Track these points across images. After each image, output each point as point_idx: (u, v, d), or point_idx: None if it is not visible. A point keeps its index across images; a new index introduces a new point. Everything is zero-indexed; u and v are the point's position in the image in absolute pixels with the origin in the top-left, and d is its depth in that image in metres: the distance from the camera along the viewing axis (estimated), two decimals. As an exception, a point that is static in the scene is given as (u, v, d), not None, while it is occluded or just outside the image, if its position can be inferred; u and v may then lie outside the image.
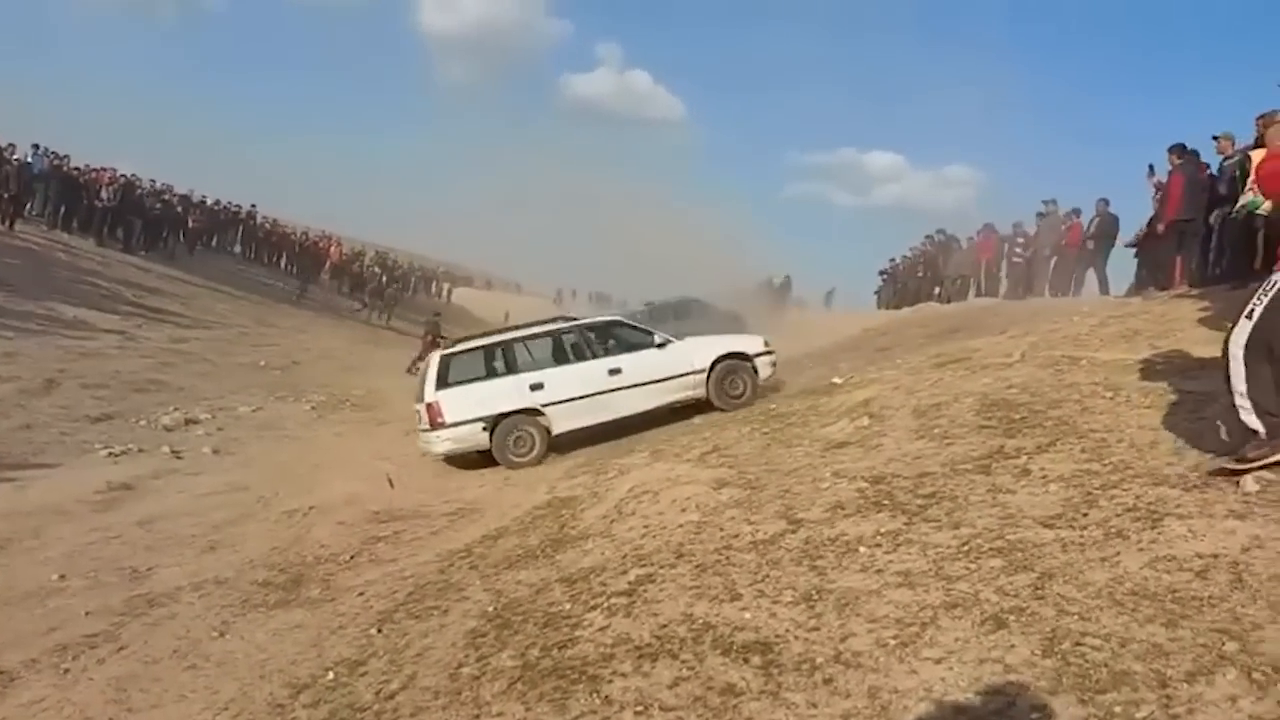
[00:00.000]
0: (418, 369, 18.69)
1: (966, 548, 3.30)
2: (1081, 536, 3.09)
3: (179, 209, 23.26)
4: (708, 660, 3.03)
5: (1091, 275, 12.70)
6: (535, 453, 8.40)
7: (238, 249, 28.15)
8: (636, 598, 3.77)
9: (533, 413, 8.53)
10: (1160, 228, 9.31)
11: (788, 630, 3.06)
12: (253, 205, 28.08)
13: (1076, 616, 2.56)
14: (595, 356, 8.97)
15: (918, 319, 14.65)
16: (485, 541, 5.55)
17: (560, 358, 9.07)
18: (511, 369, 8.84)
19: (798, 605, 3.23)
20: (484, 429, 8.29)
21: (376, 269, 32.64)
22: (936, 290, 17.37)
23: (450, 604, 4.44)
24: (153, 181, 23.23)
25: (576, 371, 8.84)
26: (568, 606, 3.94)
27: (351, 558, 5.67)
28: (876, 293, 22.67)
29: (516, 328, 9.71)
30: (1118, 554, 2.87)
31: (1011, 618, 2.67)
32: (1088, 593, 2.68)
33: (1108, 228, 12.24)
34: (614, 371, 8.85)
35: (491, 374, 8.79)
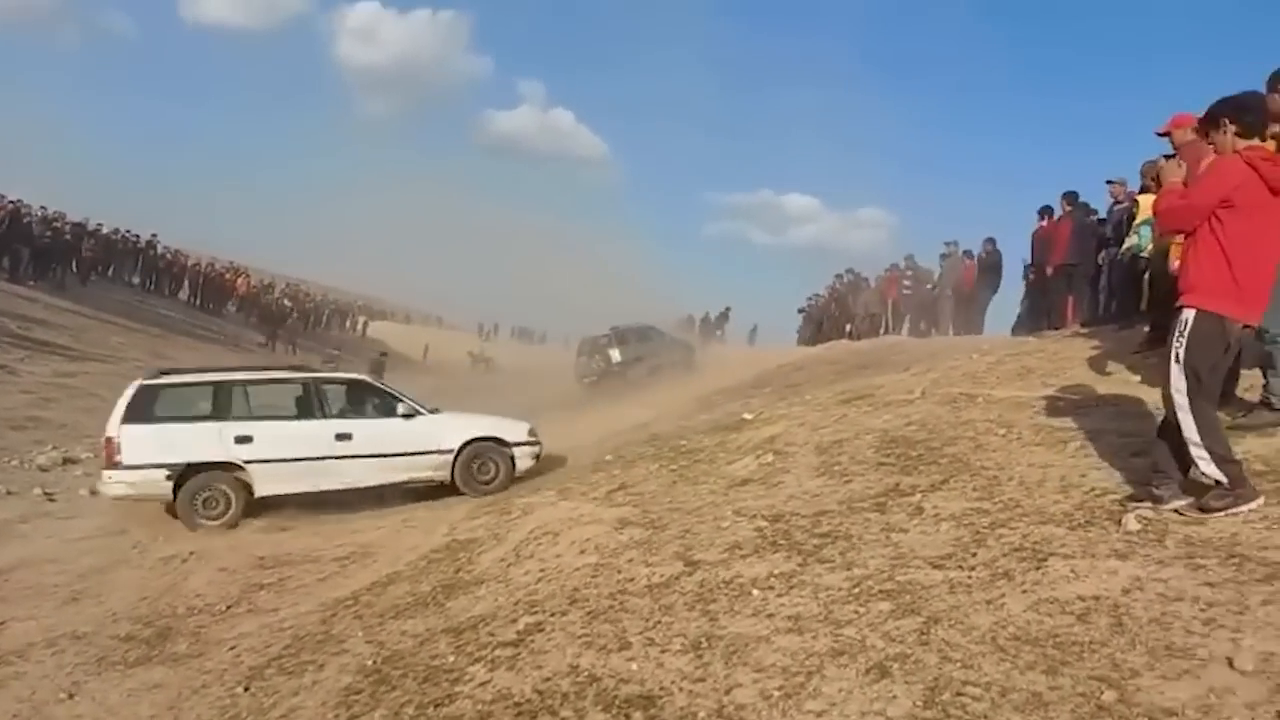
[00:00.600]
0: None
1: (857, 589, 3.23)
2: (969, 577, 3.06)
3: (69, 237, 22.11)
4: (589, 717, 2.87)
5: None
6: (229, 516, 7.39)
7: (136, 280, 26.93)
8: (523, 648, 3.59)
9: (232, 468, 7.51)
10: (1049, 270, 9.66)
11: (673, 682, 2.92)
12: (153, 235, 26.97)
13: (959, 664, 2.50)
14: (325, 416, 8.06)
15: (829, 356, 14.85)
16: (375, 588, 5.26)
17: (282, 411, 8.11)
18: (220, 414, 7.71)
19: (686, 654, 3.10)
20: (167, 478, 7.24)
21: (287, 302, 31.72)
22: (848, 328, 17.71)
23: (328, 658, 4.16)
24: (43, 209, 22.06)
25: (297, 429, 7.88)
26: (451, 659, 3.72)
27: (228, 608, 5.30)
28: (799, 330, 23.07)
29: (249, 369, 8.95)
30: (1002, 596, 2.84)
31: (896, 665, 2.59)
32: (972, 638, 2.63)
33: (990, 268, 12.79)
34: (342, 436, 7.94)
35: (195, 416, 7.67)
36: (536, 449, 8.94)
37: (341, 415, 8.21)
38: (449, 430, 8.49)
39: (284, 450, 7.69)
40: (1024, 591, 2.82)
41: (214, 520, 7.32)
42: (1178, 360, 3.22)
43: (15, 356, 14.30)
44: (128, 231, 26.74)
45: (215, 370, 8.56)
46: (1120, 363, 5.85)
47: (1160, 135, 6.66)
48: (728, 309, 28.16)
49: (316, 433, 7.90)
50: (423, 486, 8.35)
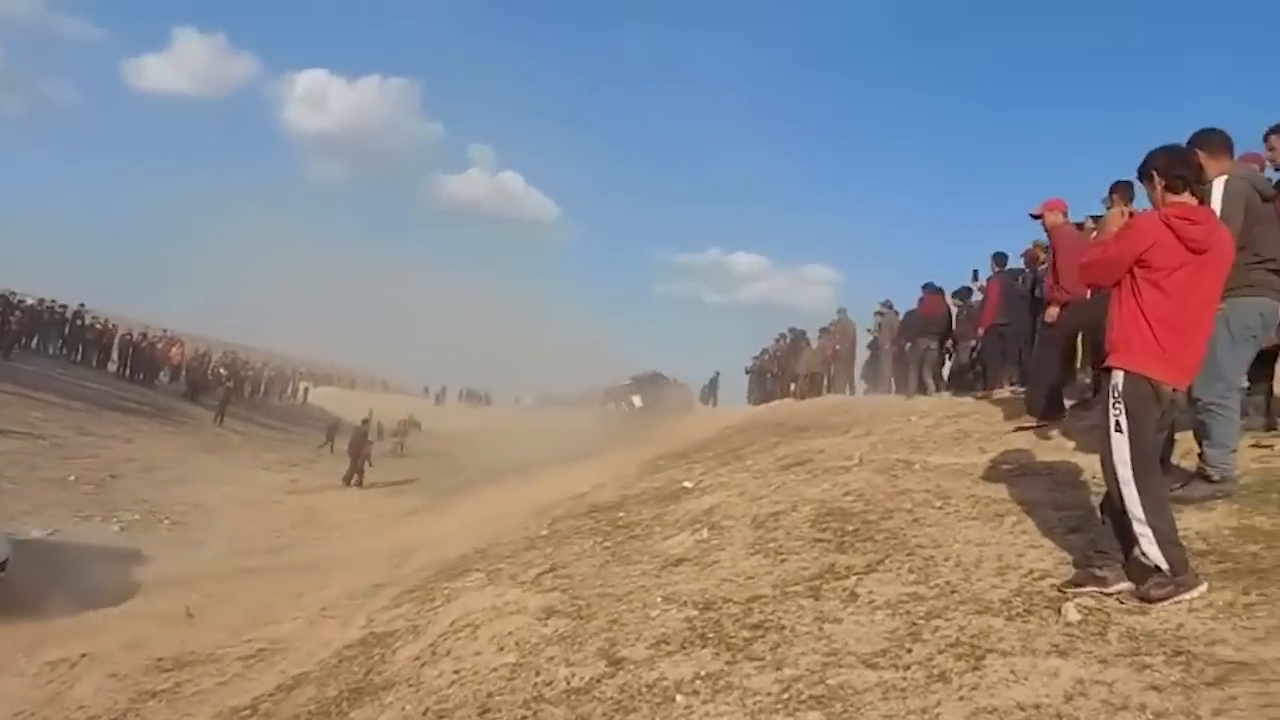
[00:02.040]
0: (356, 479, 17.83)
1: (786, 695, 2.96)
2: (903, 679, 2.82)
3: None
4: None
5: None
6: None
7: (63, 351, 25.92)
8: (423, 773, 3.23)
9: None
10: (980, 330, 9.72)
11: (581, 816, 2.60)
12: (80, 304, 26.06)
13: (891, 793, 2.24)
14: None
15: (773, 417, 14.75)
16: (278, 694, 4.83)
17: None
18: None
19: (598, 779, 2.78)
20: None
21: (222, 370, 30.85)
22: (792, 387, 17.68)
23: (211, 785, 3.73)
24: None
25: None
26: (344, 786, 3.34)
27: (112, 723, 4.81)
28: (748, 390, 23.06)
29: None
30: (938, 704, 2.60)
31: (823, 795, 2.32)
32: (905, 758, 2.38)
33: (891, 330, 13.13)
34: None
35: None
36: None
37: None
38: None
39: None
40: (961, 699, 2.58)
41: None
42: (1119, 429, 3.03)
43: (-84, 437, 13.46)
44: (53, 301, 25.84)
45: None
46: (1055, 426, 5.78)
47: (1034, 218, 6.86)
48: (716, 374, 28.45)
49: None
50: None
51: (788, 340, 18.59)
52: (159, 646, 6.14)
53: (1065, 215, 6.90)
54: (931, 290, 12.12)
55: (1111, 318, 3.22)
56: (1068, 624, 2.90)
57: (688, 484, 8.05)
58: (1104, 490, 3.22)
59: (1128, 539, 3.04)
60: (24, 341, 23.57)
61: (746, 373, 22.78)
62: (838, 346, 15.86)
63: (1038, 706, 2.44)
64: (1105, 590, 3.05)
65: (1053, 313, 6.56)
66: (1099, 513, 3.26)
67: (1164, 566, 2.90)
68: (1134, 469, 2.98)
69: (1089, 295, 5.97)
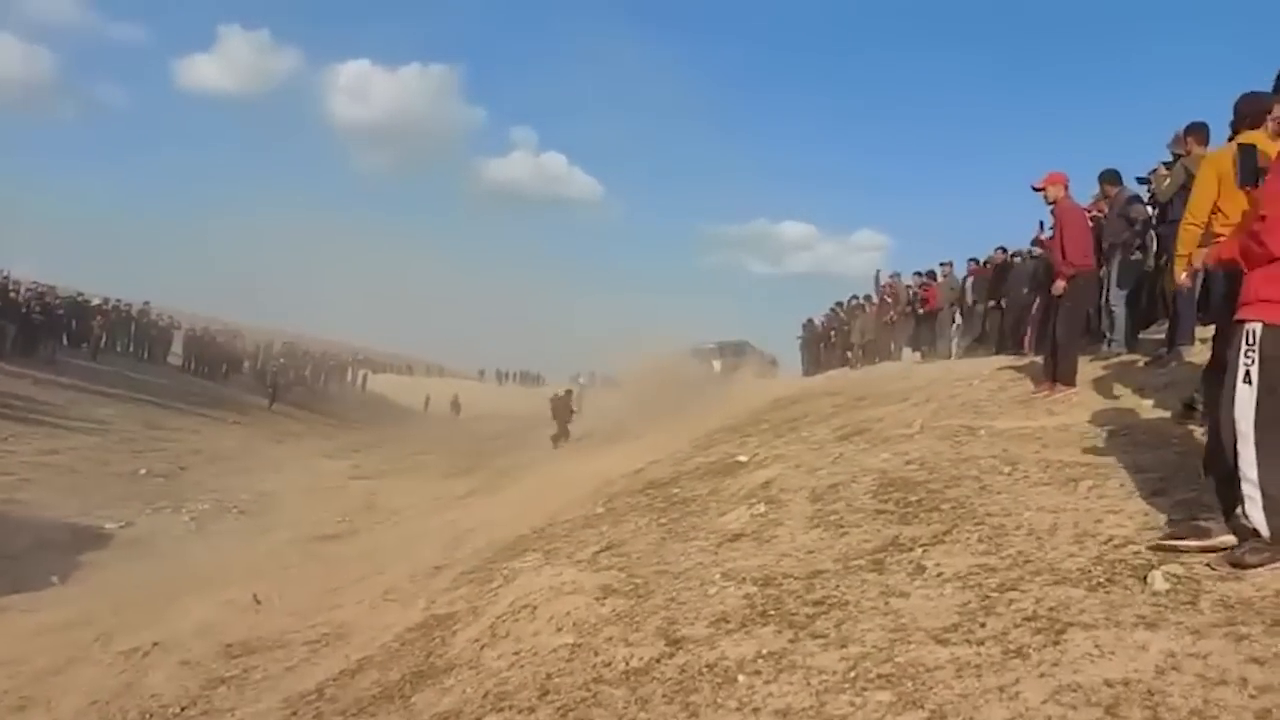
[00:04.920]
0: (560, 442, 18.74)
1: (853, 673, 2.84)
2: (978, 655, 2.67)
3: (61, 312, 21.96)
4: None
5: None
6: None
7: (130, 349, 26.76)
8: (485, 756, 3.19)
9: None
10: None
11: (644, 800, 2.52)
12: (145, 303, 26.85)
13: (971, 777, 2.11)
14: None
15: (829, 386, 14.48)
16: (342, 678, 4.86)
17: None
18: None
19: (661, 762, 2.70)
20: None
21: (283, 360, 31.58)
22: (847, 355, 17.35)
23: (278, 771, 3.75)
24: (36, 284, 21.99)
25: None
26: (407, 770, 3.32)
27: (183, 709, 4.89)
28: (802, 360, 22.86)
29: None
30: (1017, 681, 2.44)
31: (897, 780, 2.20)
32: (984, 739, 2.24)
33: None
34: None
35: None
36: None
37: None
38: None
39: None
40: (1041, 675, 2.43)
41: None
42: (1247, 379, 2.78)
43: (-2, 436, 14.00)
44: (119, 300, 26.66)
45: None
46: (1127, 385, 5.50)
47: (1035, 190, 6.80)
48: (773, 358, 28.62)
49: None
50: None
51: (846, 307, 18.20)
52: (228, 633, 6.25)
53: (1067, 188, 6.86)
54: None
55: (1255, 272, 2.92)
56: (1155, 594, 2.72)
57: (742, 457, 7.91)
58: (1185, 448, 3.00)
59: (1230, 499, 2.82)
60: (98, 342, 24.40)
61: (798, 340, 22.48)
62: (892, 313, 15.50)
63: (1126, 682, 2.27)
64: (1206, 543, 2.84)
65: (1059, 285, 6.64)
66: (1202, 469, 3.02)
67: (1265, 533, 2.68)
68: (1256, 424, 2.75)
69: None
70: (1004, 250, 12.38)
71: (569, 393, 20.75)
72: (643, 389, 20.80)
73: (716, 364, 22.92)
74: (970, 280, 13.26)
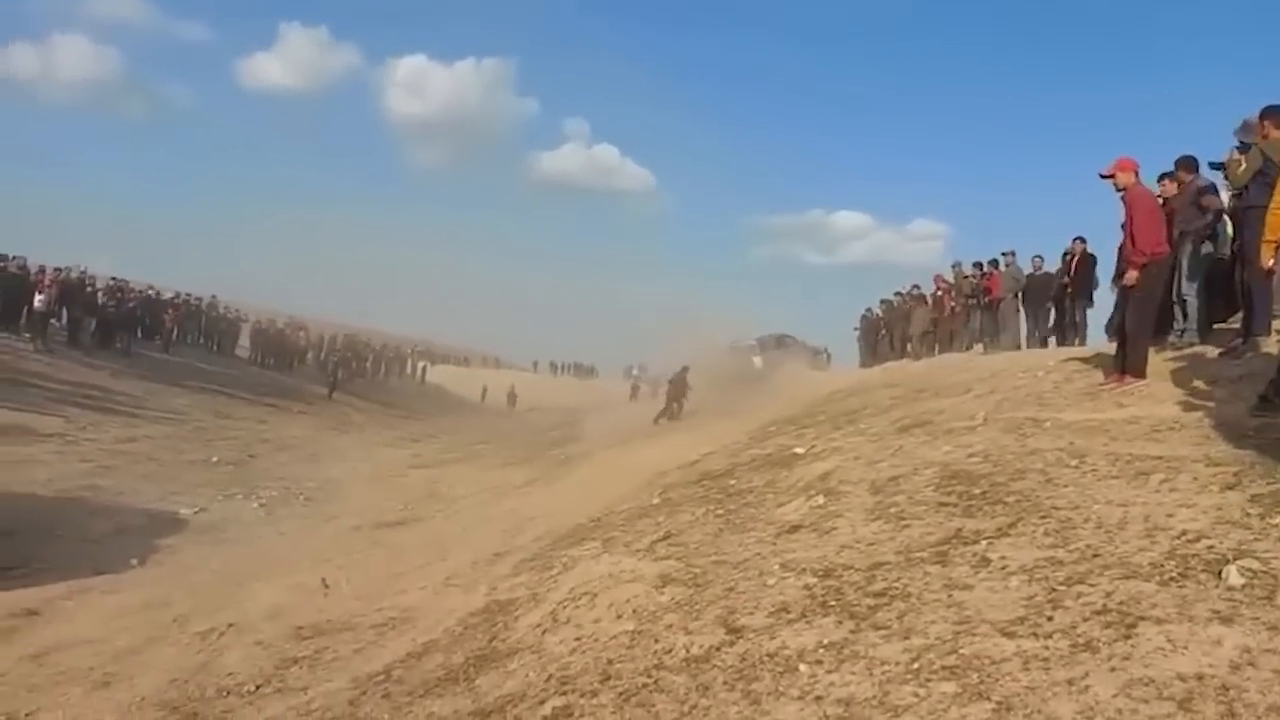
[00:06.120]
0: (663, 419, 19.07)
1: (917, 665, 2.83)
2: (1045, 649, 2.64)
3: (132, 305, 22.80)
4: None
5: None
6: None
7: (201, 341, 27.70)
8: (549, 738, 3.26)
9: None
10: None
11: (707, 785, 2.56)
12: (213, 296, 27.73)
13: (1039, 770, 2.10)
14: None
15: (886, 378, 14.30)
16: (408, 660, 5.00)
17: None
18: None
19: (723, 748, 2.74)
20: None
21: (348, 353, 32.30)
22: (907, 347, 17.09)
23: (351, 746, 3.89)
24: (114, 279, 22.90)
25: None
26: (474, 749, 3.42)
27: (258, 687, 5.08)
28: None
29: None
30: (1086, 675, 2.42)
31: (963, 770, 2.20)
32: (1053, 732, 2.22)
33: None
34: None
35: None
36: None
37: None
38: None
39: None
40: (1112, 669, 2.40)
41: None
42: None
43: (78, 426, 14.61)
44: (189, 294, 27.58)
45: None
46: (1199, 376, 5.34)
47: (1104, 178, 6.61)
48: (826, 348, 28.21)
49: None
50: None
51: (904, 298, 17.90)
52: (298, 615, 6.46)
53: (1138, 175, 6.65)
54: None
55: None
56: (1229, 588, 2.66)
57: (799, 450, 7.88)
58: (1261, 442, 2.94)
59: None
60: (170, 334, 25.31)
61: (855, 330, 22.16)
62: (954, 304, 15.22)
63: (1200, 678, 2.23)
64: None
65: (1132, 275, 6.44)
66: None
67: None
68: None
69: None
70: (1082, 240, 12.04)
71: (686, 369, 20.29)
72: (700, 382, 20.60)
73: (757, 360, 21.95)
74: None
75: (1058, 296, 12.58)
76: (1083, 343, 11.48)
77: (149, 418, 16.99)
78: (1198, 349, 6.89)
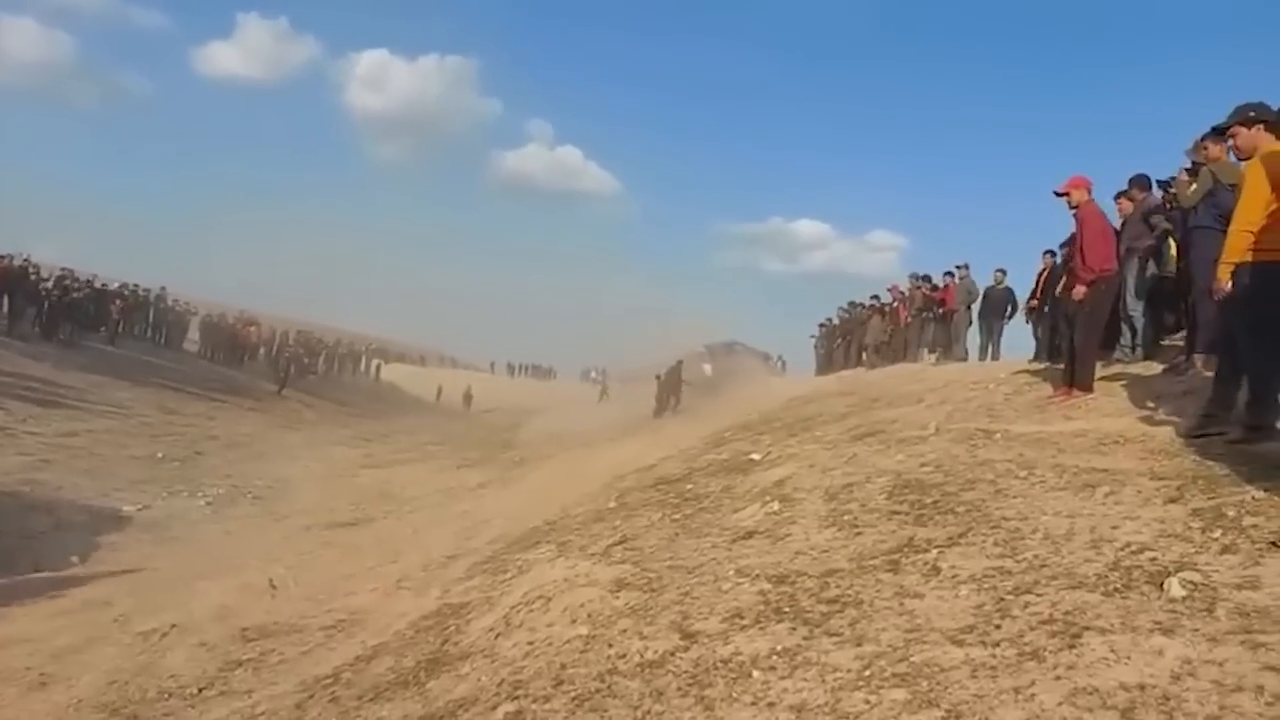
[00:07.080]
0: (664, 412, 18.94)
1: (868, 672, 2.86)
2: (993, 657, 2.69)
3: (78, 296, 22.16)
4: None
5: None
6: None
7: (148, 333, 27.00)
8: (499, 744, 3.24)
9: None
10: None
11: (659, 792, 2.56)
12: (162, 287, 27.06)
13: (986, 777, 2.14)
14: None
15: (842, 387, 14.48)
16: (357, 664, 4.92)
17: None
18: None
19: (676, 755, 2.74)
20: None
21: (300, 349, 31.73)
22: (862, 355, 17.32)
23: (296, 752, 3.81)
24: (64, 270, 22.28)
25: None
26: (423, 756, 3.37)
27: (201, 690, 4.97)
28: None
29: None
30: (1032, 683, 2.46)
31: (912, 778, 2.22)
32: (999, 739, 2.26)
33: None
34: None
35: None
36: None
37: None
38: None
39: None
40: (1057, 678, 2.45)
41: None
42: None
43: (18, 418, 14.14)
44: (137, 285, 26.87)
45: None
46: (1144, 392, 5.49)
47: (1058, 195, 6.87)
48: (780, 355, 28.27)
49: None
50: None
51: (861, 309, 18.14)
52: (245, 617, 6.33)
53: (1090, 193, 6.84)
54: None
55: None
56: (1171, 600, 2.73)
57: (755, 455, 7.94)
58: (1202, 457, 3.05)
59: None
60: (121, 327, 24.63)
61: (811, 339, 22.40)
62: (908, 315, 15.47)
63: (1142, 687, 2.29)
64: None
65: (1080, 291, 6.60)
66: None
67: None
68: None
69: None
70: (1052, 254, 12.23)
71: (680, 363, 20.29)
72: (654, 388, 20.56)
73: (707, 367, 21.54)
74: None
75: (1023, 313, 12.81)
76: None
77: (92, 411, 16.50)
78: (1143, 365, 7.09)
